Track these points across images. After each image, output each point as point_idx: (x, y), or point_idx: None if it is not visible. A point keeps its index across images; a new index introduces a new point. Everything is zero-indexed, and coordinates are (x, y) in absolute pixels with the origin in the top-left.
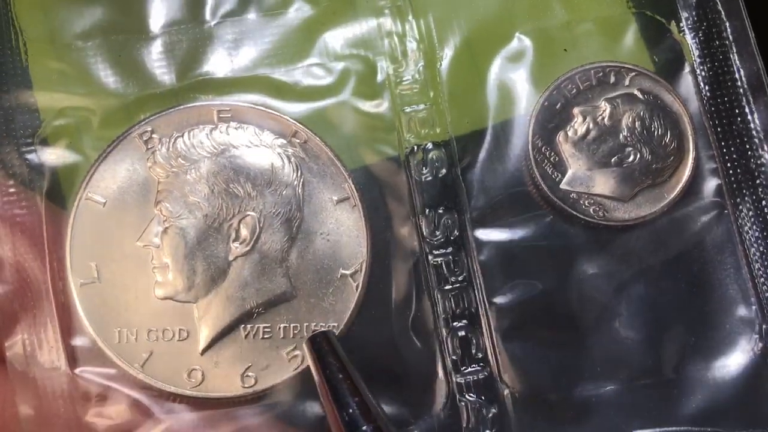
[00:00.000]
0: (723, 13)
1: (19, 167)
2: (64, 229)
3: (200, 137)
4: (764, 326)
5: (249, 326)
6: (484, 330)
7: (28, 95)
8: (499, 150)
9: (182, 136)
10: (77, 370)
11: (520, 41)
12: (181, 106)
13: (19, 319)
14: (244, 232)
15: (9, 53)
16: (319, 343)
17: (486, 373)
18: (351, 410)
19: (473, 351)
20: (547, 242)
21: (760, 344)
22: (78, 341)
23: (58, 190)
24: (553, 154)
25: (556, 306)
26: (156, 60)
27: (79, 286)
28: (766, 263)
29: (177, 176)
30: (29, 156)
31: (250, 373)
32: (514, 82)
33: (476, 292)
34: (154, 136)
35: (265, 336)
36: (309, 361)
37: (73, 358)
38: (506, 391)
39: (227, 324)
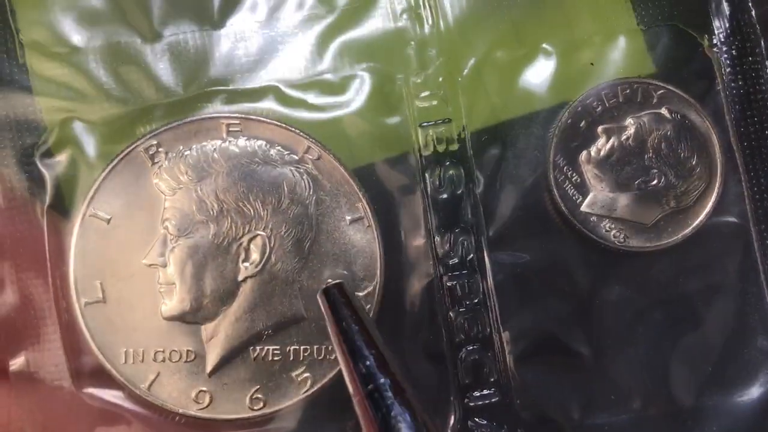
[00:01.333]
0: (758, 27)
1: (19, 180)
2: (68, 245)
3: (208, 152)
4: None
5: (258, 348)
6: (497, 354)
7: (29, 104)
8: (518, 169)
9: (190, 150)
10: (82, 390)
11: (545, 54)
12: (189, 119)
13: (22, 337)
14: (254, 253)
15: (13, 60)
16: (333, 295)
17: (498, 398)
18: (368, 362)
19: (485, 375)
20: (565, 266)
21: None
22: (83, 361)
23: (61, 203)
24: (574, 174)
25: (571, 332)
26: (160, 67)
27: (84, 306)
28: None
29: (184, 193)
30: (30, 168)
31: (258, 396)
32: (538, 97)
33: (490, 314)
34: (160, 150)
35: (275, 358)
36: (324, 314)
37: (78, 377)
38: (518, 416)
39: (236, 346)
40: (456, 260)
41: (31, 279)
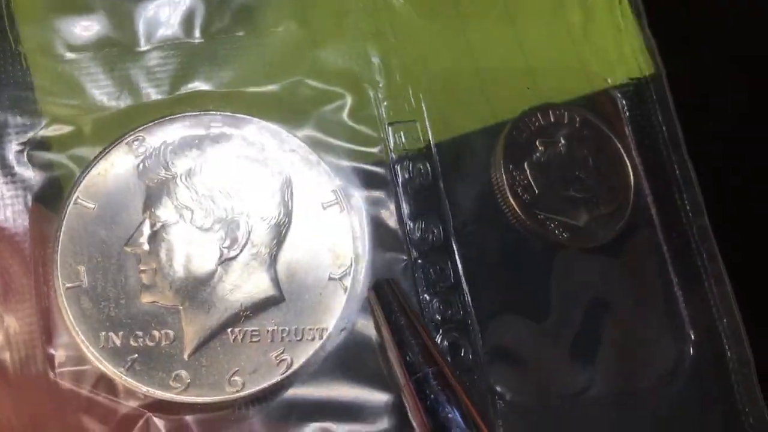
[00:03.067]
0: (648, 78)
1: (8, 173)
2: (53, 232)
3: (190, 145)
4: (693, 341)
5: (237, 330)
6: (471, 336)
7: (23, 103)
8: (476, 168)
9: (173, 143)
10: (59, 374)
11: (493, 73)
12: (172, 116)
13: (2, 320)
14: (233, 237)
15: (7, 61)
16: (383, 289)
17: (471, 378)
18: (415, 352)
19: (462, 354)
20: (519, 256)
21: (689, 354)
22: (60, 345)
23: (48, 196)
24: (523, 177)
25: (530, 316)
26: (148, 73)
27: (65, 289)
28: (688, 290)
29: (166, 182)
30: (20, 162)
31: (236, 377)
32: (487, 107)
33: (462, 297)
34: (144, 143)
35: (253, 339)
36: (373, 307)
37: (54, 361)
38: (492, 388)
39: (214, 328)
40: (428, 246)
41: (13, 267)
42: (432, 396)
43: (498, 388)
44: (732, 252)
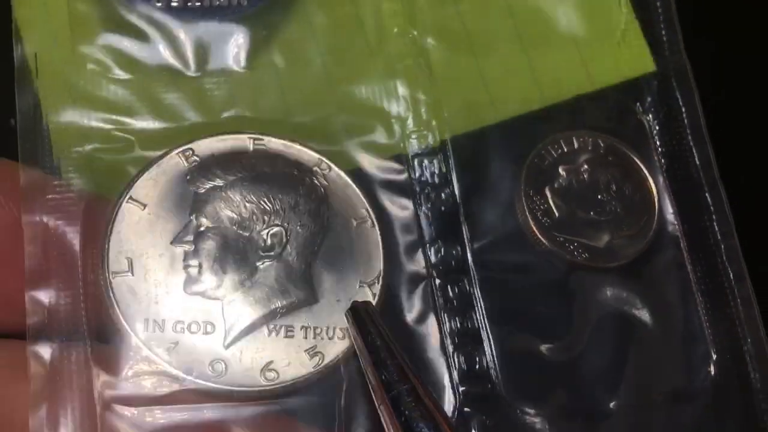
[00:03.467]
0: (680, 99)
1: (66, 177)
2: (103, 227)
3: (236, 158)
4: (714, 361)
5: (272, 325)
6: (486, 351)
7: (79, 115)
8: (496, 194)
9: (220, 156)
10: (95, 357)
11: (513, 105)
12: (220, 133)
13: (47, 304)
14: (271, 243)
15: (58, 76)
16: (359, 312)
17: (489, 388)
18: (390, 371)
19: (477, 368)
20: (538, 277)
21: (713, 375)
22: (101, 328)
23: (101, 200)
24: (542, 202)
25: (547, 336)
26: (197, 98)
27: (112, 277)
28: (713, 311)
29: (212, 190)
30: (77, 169)
31: (271, 368)
32: (510, 139)
33: (478, 315)
34: (194, 154)
35: (288, 335)
36: (350, 328)
37: (93, 347)
38: (507, 406)
39: (251, 322)
40: (446, 267)
41: (61, 255)
42: (407, 412)
43: (514, 404)
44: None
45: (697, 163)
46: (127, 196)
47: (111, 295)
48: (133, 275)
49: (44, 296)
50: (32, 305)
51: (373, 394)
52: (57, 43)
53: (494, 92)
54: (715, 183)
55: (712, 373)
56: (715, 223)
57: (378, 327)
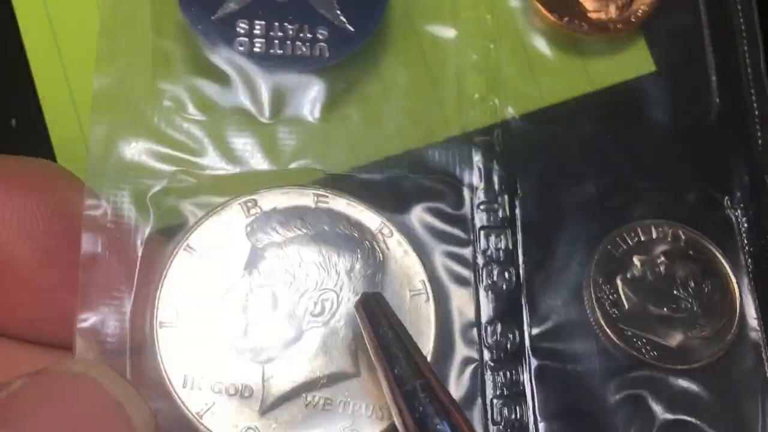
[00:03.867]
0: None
1: (128, 213)
2: (158, 272)
3: (297, 215)
4: None
5: (312, 395)
6: None
7: (149, 152)
8: (563, 279)
9: (282, 211)
10: None
11: (590, 187)
12: (284, 186)
13: (93, 347)
14: (322, 308)
15: (144, 115)
16: (371, 304)
17: None
18: (403, 365)
19: None
20: (599, 372)
21: None
22: (143, 380)
23: (158, 242)
24: (612, 291)
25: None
26: (269, 144)
27: (159, 327)
28: None
29: (270, 246)
30: (141, 206)
31: None
32: (582, 220)
33: (529, 408)
34: (256, 206)
35: (326, 408)
36: (360, 321)
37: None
38: None
39: (291, 389)
40: (500, 351)
41: (114, 295)
42: (421, 409)
43: None
44: None
45: None
46: (185, 244)
47: (156, 345)
48: (179, 327)
49: (90, 333)
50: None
51: (385, 390)
52: (137, 76)
53: (570, 175)
54: None
55: None
56: None
57: (390, 319)
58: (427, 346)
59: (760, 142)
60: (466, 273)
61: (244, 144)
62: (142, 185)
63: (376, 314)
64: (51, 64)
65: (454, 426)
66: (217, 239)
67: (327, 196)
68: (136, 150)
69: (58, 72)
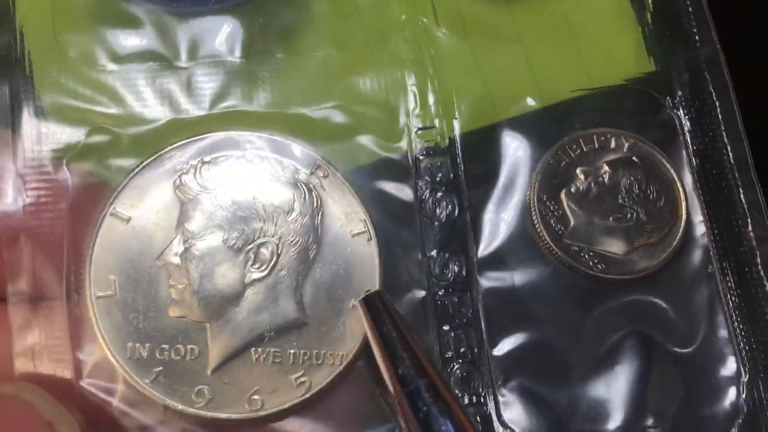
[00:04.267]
0: (714, 93)
1: (48, 181)
2: (87, 242)
3: (226, 164)
4: (746, 381)
5: (260, 350)
6: (484, 371)
7: (63, 112)
8: (507, 200)
9: (209, 161)
10: (84, 383)
11: (529, 102)
12: (210, 134)
13: (31, 326)
14: (262, 258)
15: (49, 71)
16: (373, 302)
17: (483, 413)
18: (407, 364)
19: (472, 390)
20: (549, 290)
21: (741, 395)
22: (87, 354)
23: (85, 205)
24: (556, 207)
25: (555, 352)
26: (188, 89)
27: (96, 299)
28: (746, 325)
29: (200, 199)
30: (58, 170)
31: (256, 396)
32: (523, 139)
33: (479, 334)
34: (182, 159)
35: (275, 360)
36: (363, 319)
37: (80, 370)
38: (505, 423)
39: (238, 346)
40: (448, 280)
41: (46, 272)
42: (425, 408)
43: (511, 423)
44: None
45: (732, 162)
46: (111, 208)
47: (94, 317)
48: (117, 296)
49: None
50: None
51: (388, 389)
52: (36, 30)
53: (506, 89)
54: (752, 184)
55: (743, 395)
56: (750, 228)
57: (393, 317)
58: (372, 285)
59: (697, 38)
60: (408, 204)
61: (162, 92)
62: (56, 149)
63: (380, 312)
64: None
65: (457, 426)
66: (144, 200)
67: (255, 140)
68: (43, 111)
69: None
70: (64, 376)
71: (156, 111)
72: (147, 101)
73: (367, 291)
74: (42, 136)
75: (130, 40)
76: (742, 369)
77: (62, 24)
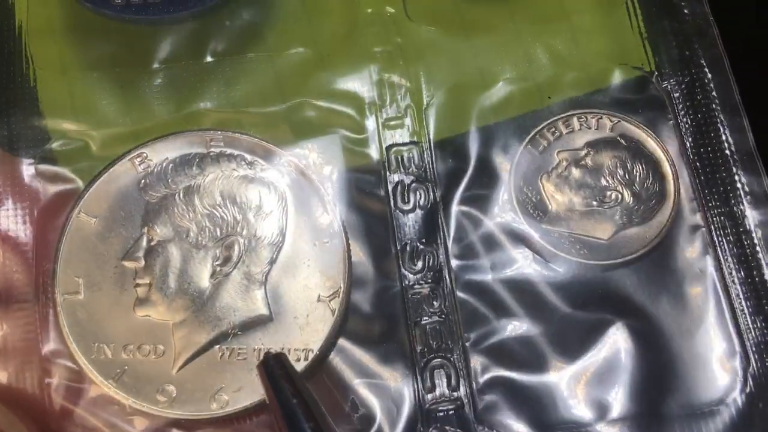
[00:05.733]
0: (706, 67)
1: (18, 185)
2: (55, 243)
3: (191, 162)
4: (749, 369)
5: (225, 347)
6: (459, 365)
7: (35, 119)
8: (481, 188)
9: (174, 161)
10: (51, 382)
11: (505, 88)
12: (176, 133)
13: (1, 327)
14: (227, 254)
15: (19, 79)
16: (271, 367)
17: (457, 408)
18: None
19: (447, 385)
20: (528, 279)
21: (744, 388)
22: (55, 354)
23: (54, 209)
24: (535, 193)
25: (534, 344)
26: (156, 93)
27: (63, 300)
28: (749, 308)
29: (166, 198)
30: (28, 175)
31: (221, 394)
32: (498, 125)
33: (453, 326)
34: (147, 159)
35: (240, 357)
36: (262, 384)
37: (48, 371)
38: (478, 427)
39: (203, 344)
40: (420, 272)
41: (16, 274)
42: None
43: (488, 418)
44: None
45: (728, 134)
46: (78, 209)
47: (61, 318)
48: (82, 296)
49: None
50: None
51: None
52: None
53: (480, 76)
54: (751, 158)
55: (745, 383)
56: (748, 207)
57: (294, 383)
58: (339, 279)
59: (686, 11)
60: (379, 196)
61: (131, 97)
62: (26, 155)
63: (279, 379)
64: None
65: None
66: (111, 199)
67: (221, 139)
68: (16, 118)
69: None
70: (32, 376)
71: (125, 115)
72: (117, 106)
73: (265, 353)
74: (11, 140)
75: (100, 48)
76: (744, 358)
77: (31, 32)
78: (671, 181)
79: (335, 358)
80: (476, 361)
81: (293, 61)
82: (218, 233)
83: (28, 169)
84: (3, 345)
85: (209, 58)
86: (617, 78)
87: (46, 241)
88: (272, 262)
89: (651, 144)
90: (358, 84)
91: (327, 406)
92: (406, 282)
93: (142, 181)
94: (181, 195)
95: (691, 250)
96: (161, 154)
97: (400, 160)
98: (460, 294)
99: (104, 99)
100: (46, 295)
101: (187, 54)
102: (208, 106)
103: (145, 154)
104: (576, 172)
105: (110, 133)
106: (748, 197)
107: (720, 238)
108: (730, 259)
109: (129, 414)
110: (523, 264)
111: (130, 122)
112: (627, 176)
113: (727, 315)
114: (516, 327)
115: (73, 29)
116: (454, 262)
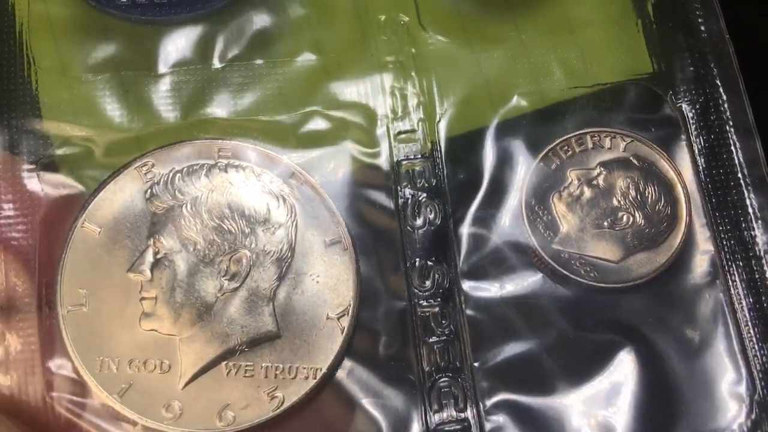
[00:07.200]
0: (721, 87)
1: (20, 192)
2: (58, 254)
3: (198, 173)
4: (755, 396)
5: (231, 363)
6: (467, 385)
7: (36, 122)
8: (492, 206)
9: (181, 171)
10: (54, 396)
11: (519, 102)
12: (183, 142)
13: (3, 338)
14: (235, 269)
15: (20, 81)
16: None
17: (464, 429)
18: None
19: (454, 406)
20: (537, 300)
21: (750, 414)
22: (59, 367)
23: (57, 217)
24: (546, 213)
25: (543, 366)
26: (162, 98)
27: (67, 312)
28: (757, 334)
29: (173, 210)
30: (31, 181)
31: (228, 411)
32: (511, 141)
33: (462, 346)
34: (153, 169)
35: (247, 374)
36: None
37: (51, 383)
38: None
39: (210, 360)
40: (430, 290)
41: (18, 285)
42: None
43: None
44: None
45: (741, 157)
46: (82, 220)
47: (64, 330)
48: (86, 309)
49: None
50: None
51: None
52: (8, 42)
53: (494, 89)
54: (763, 183)
55: (751, 409)
56: (760, 232)
57: None
58: (348, 296)
59: (703, 28)
60: (389, 211)
61: (136, 101)
62: (28, 161)
63: None
64: None
65: None
66: (114, 211)
67: (229, 149)
68: (17, 122)
69: None
70: (35, 388)
71: (130, 120)
72: (121, 110)
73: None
74: (12, 143)
75: (104, 50)
76: (751, 384)
77: (36, 35)
78: (683, 204)
79: (342, 376)
80: (484, 382)
81: (303, 69)
82: (226, 246)
83: (29, 175)
84: (5, 356)
85: (217, 64)
86: (631, 95)
87: (49, 251)
88: (281, 277)
89: (664, 165)
90: (370, 95)
91: (334, 426)
92: (415, 300)
93: (149, 191)
94: (189, 206)
95: (701, 275)
96: (168, 163)
97: (409, 173)
98: (469, 313)
99: (108, 103)
100: (49, 307)
101: (194, 58)
102: (215, 113)
103: (151, 163)
104: (588, 192)
105: (114, 139)
106: (759, 222)
107: (729, 263)
108: (739, 284)
109: (134, 429)
110: (532, 284)
111: (135, 128)
112: (639, 198)
113: (735, 341)
114: (524, 348)
115: (76, 30)
116: (464, 280)
